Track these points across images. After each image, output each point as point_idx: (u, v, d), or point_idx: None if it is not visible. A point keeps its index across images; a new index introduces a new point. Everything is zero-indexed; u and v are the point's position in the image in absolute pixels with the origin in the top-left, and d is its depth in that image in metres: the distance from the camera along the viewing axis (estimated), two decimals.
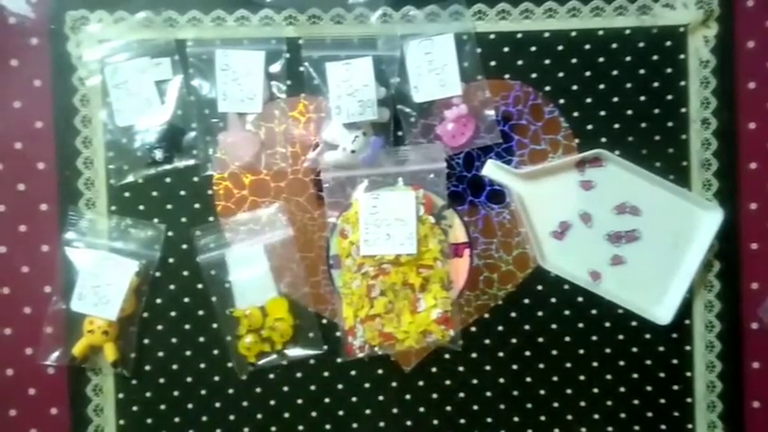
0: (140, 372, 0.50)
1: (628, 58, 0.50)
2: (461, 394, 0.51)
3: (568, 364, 0.50)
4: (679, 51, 0.50)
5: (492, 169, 0.49)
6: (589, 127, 0.50)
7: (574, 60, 0.50)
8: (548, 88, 0.50)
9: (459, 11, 0.49)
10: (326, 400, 0.50)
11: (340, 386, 0.50)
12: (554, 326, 0.50)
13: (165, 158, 0.49)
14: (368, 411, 0.50)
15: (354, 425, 0.50)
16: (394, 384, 0.50)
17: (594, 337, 0.50)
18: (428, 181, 0.49)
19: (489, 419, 0.51)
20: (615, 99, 0.50)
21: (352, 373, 0.50)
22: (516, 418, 0.51)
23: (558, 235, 0.49)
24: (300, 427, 0.50)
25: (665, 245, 0.49)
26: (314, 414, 0.50)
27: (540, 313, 0.50)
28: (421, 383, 0.50)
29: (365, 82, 0.48)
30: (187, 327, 0.50)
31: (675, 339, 0.50)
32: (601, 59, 0.50)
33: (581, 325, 0.50)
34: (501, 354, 0.50)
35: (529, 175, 0.49)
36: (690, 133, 0.50)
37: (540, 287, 0.50)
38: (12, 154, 0.50)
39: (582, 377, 0.50)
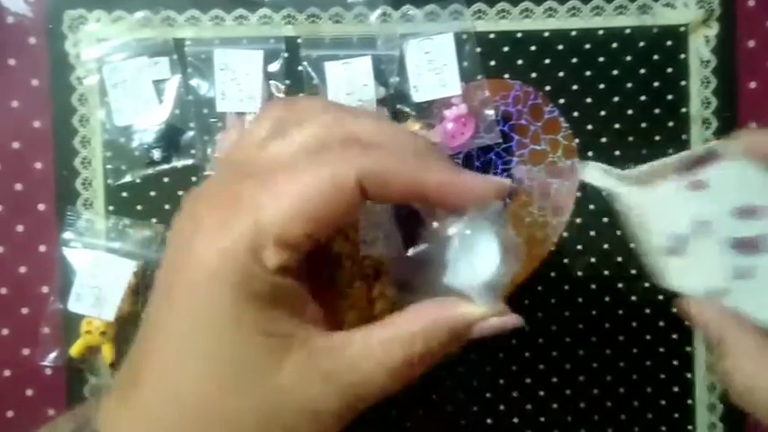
0: None
1: (628, 58, 0.50)
2: (461, 394, 0.50)
3: (568, 366, 0.50)
4: (679, 51, 0.50)
5: (594, 174, 0.41)
6: (589, 127, 0.50)
7: (574, 60, 0.50)
8: (548, 88, 0.50)
9: (459, 10, 0.49)
10: None
11: None
12: (554, 327, 0.50)
13: (163, 158, 0.49)
14: (366, 412, 0.50)
15: (352, 426, 0.50)
16: None
17: (594, 339, 0.50)
18: None
19: (489, 420, 0.50)
20: (615, 99, 0.50)
21: None
22: (516, 419, 0.50)
23: (674, 249, 0.40)
24: None
25: None
26: None
27: (539, 314, 0.50)
28: (420, 384, 0.50)
29: (364, 81, 0.48)
30: None
31: (676, 341, 0.50)
32: (601, 59, 0.50)
33: (581, 326, 0.50)
34: (501, 354, 0.50)
35: (638, 179, 0.40)
36: (690, 133, 0.50)
37: (539, 288, 0.50)
38: (9, 154, 0.50)
39: (582, 378, 0.50)
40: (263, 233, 0.27)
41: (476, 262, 0.32)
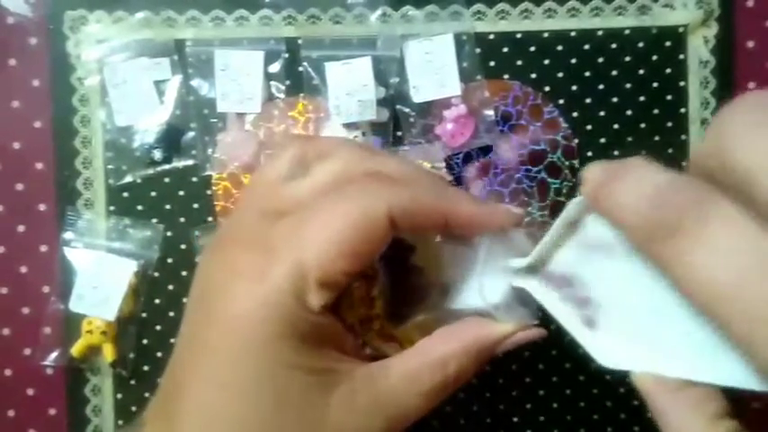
0: (139, 372, 0.50)
1: (627, 59, 0.50)
2: (461, 395, 0.50)
3: (568, 365, 0.50)
4: (679, 51, 0.50)
5: (519, 282, 0.33)
6: (588, 127, 0.50)
7: (573, 60, 0.50)
8: (547, 88, 0.50)
9: (459, 11, 0.49)
10: None
11: None
12: (553, 326, 0.50)
13: (163, 158, 0.49)
14: None
15: None
16: None
17: None
18: None
19: (489, 420, 0.50)
20: (615, 99, 0.50)
21: None
22: (516, 419, 0.50)
23: (589, 322, 0.33)
24: None
25: None
26: None
27: (539, 313, 0.50)
28: None
29: (364, 82, 0.48)
30: None
31: None
32: (600, 60, 0.50)
33: None
34: (500, 354, 0.50)
35: (538, 260, 0.32)
36: (689, 134, 0.50)
37: None
38: (10, 154, 0.50)
39: (582, 378, 0.50)
40: (306, 276, 0.27)
41: (491, 280, 0.33)
